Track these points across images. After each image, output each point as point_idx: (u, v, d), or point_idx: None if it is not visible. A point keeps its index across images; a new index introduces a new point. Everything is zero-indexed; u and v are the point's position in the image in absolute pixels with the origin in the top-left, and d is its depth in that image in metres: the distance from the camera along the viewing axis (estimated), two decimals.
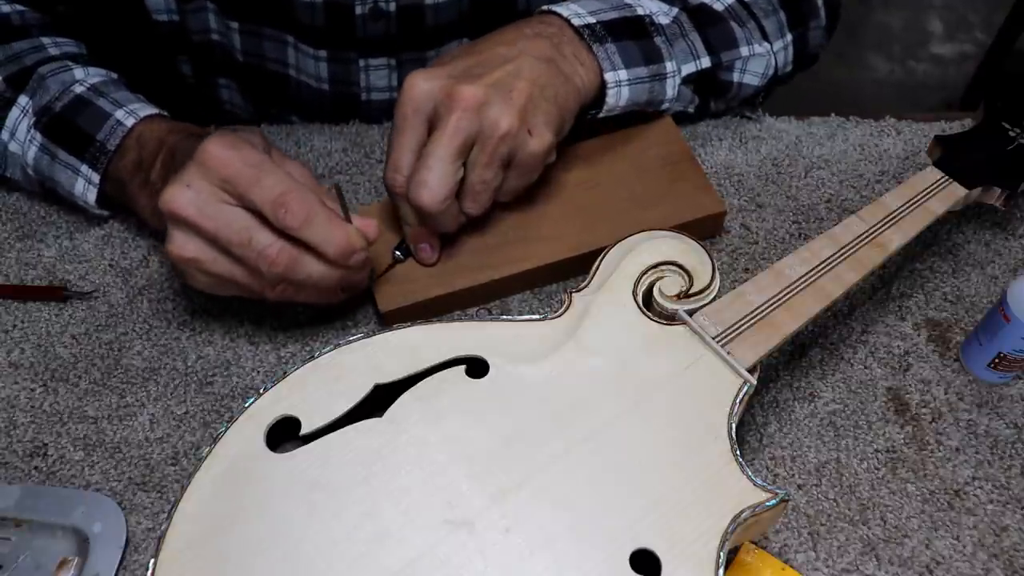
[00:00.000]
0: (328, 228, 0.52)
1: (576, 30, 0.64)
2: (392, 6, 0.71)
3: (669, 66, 0.67)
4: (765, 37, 0.72)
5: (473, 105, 0.56)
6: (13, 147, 0.66)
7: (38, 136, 0.65)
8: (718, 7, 0.70)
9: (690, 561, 0.45)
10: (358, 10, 0.71)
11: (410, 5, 0.71)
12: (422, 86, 0.56)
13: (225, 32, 0.75)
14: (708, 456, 0.49)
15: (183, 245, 0.53)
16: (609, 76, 0.64)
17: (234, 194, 0.52)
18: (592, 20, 0.65)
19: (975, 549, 0.55)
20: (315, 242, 0.52)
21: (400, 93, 0.57)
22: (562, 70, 0.61)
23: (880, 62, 2.18)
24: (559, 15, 0.65)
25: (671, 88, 0.68)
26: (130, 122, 0.63)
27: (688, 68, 0.69)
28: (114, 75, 0.68)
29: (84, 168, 0.64)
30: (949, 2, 2.32)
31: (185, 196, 0.51)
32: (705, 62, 0.69)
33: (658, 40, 0.67)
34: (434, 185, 0.56)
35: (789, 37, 0.74)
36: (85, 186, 0.64)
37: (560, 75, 0.61)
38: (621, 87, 0.65)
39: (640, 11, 0.67)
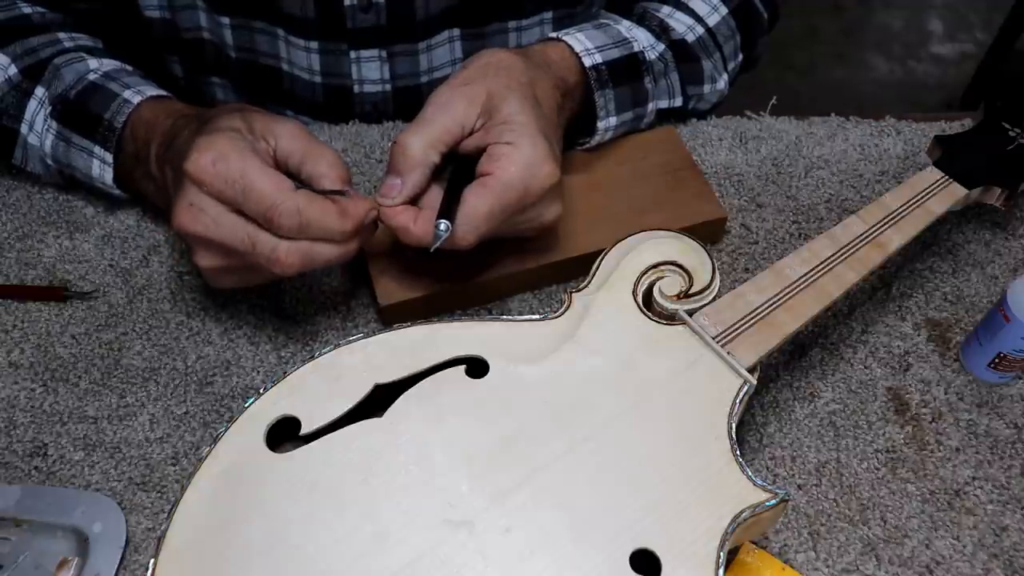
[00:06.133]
0: (325, 221, 0.52)
1: (585, 72, 0.66)
2: None
3: (650, 107, 0.71)
4: (725, 66, 0.75)
5: (547, 195, 0.58)
6: (32, 139, 0.67)
7: (54, 124, 0.66)
8: (690, 38, 0.72)
9: (690, 561, 0.45)
10: (347, 0, 0.71)
11: None
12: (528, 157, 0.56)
13: (215, 29, 0.75)
14: (708, 456, 0.49)
15: (203, 256, 0.55)
16: (601, 124, 0.68)
17: (231, 205, 0.52)
18: (600, 60, 0.67)
19: (975, 549, 0.55)
20: (320, 237, 0.52)
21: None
22: (559, 129, 0.63)
23: (880, 62, 2.18)
24: (572, 48, 0.66)
25: (644, 123, 0.72)
26: (136, 99, 0.63)
27: (662, 105, 0.73)
28: (128, 67, 0.69)
29: (97, 149, 0.64)
30: (949, 2, 2.33)
31: (189, 214, 0.52)
32: (677, 101, 0.74)
33: (647, 81, 0.70)
34: (479, 237, 0.56)
35: (740, 56, 0.77)
36: (101, 167, 0.65)
37: (559, 133, 0.63)
38: (608, 132, 0.69)
39: (636, 47, 0.69)
